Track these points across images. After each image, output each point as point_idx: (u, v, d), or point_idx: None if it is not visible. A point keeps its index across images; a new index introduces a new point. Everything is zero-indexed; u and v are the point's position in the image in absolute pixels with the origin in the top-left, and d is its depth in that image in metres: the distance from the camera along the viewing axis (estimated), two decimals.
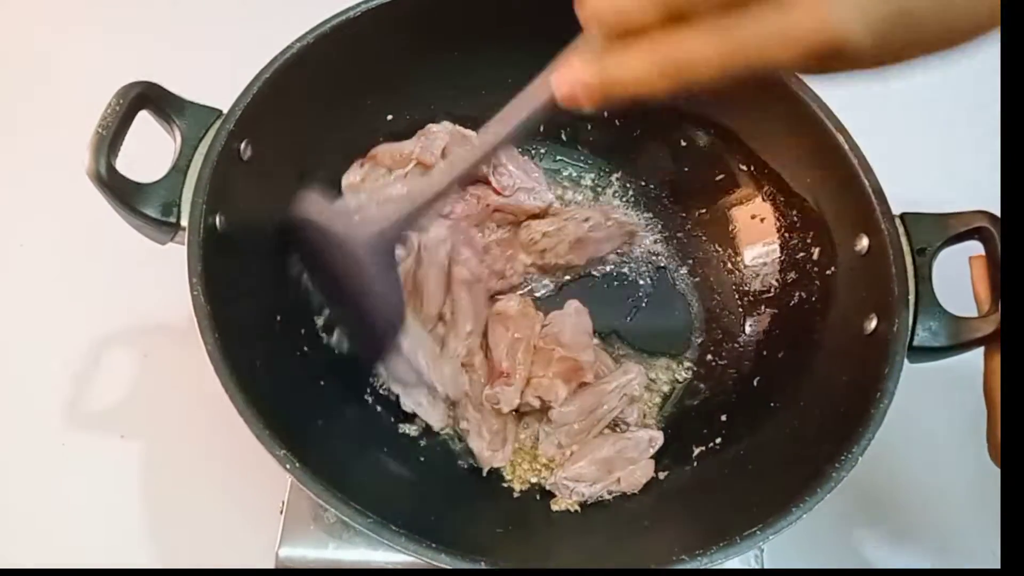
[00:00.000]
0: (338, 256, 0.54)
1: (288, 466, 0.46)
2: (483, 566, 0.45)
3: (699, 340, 0.69)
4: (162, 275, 0.61)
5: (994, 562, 0.66)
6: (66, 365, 0.69)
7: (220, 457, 0.65)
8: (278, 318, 0.60)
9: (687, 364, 0.68)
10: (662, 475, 0.61)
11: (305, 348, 0.62)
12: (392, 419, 0.63)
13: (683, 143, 0.71)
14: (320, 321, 0.64)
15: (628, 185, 0.75)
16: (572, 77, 0.37)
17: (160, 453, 0.66)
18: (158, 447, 0.67)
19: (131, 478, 0.65)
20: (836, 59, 0.32)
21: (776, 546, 0.55)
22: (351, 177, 0.68)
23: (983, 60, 0.34)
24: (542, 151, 0.76)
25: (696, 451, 0.62)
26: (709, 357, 0.68)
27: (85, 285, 0.73)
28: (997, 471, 0.51)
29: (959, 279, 0.56)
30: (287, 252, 0.59)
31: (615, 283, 0.71)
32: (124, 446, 0.66)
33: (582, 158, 0.76)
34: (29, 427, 0.67)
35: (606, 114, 0.73)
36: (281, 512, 0.56)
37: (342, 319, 0.61)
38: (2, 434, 0.67)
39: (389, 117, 0.70)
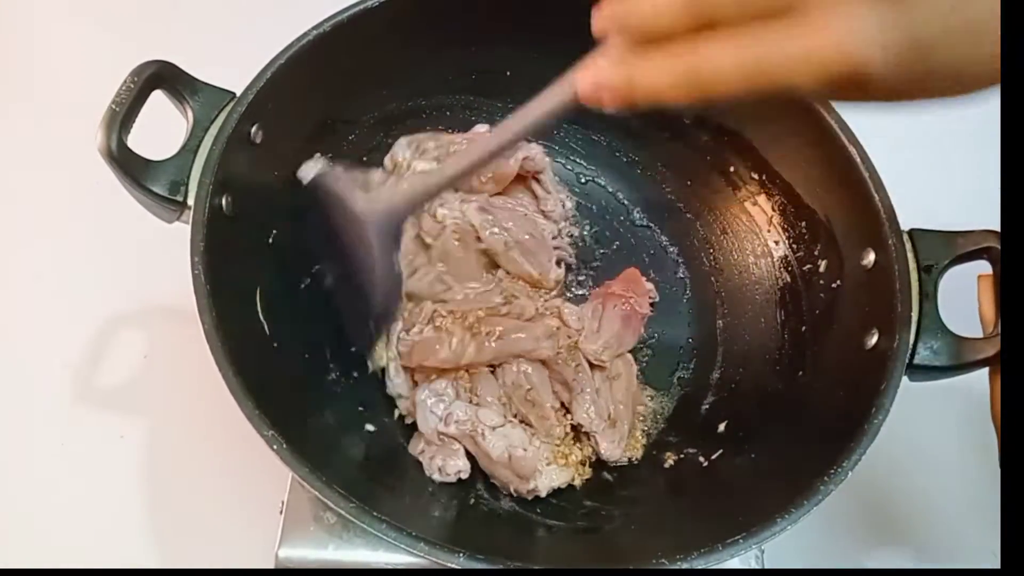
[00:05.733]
0: (346, 226, 0.54)
1: (275, 447, 0.46)
2: (461, 558, 0.44)
3: (699, 347, 0.69)
4: (163, 275, 0.62)
5: (994, 562, 0.65)
6: (66, 366, 0.70)
7: (220, 457, 0.65)
8: (278, 304, 0.60)
9: (686, 372, 0.68)
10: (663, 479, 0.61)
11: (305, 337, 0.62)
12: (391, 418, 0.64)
13: (696, 151, 0.71)
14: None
15: (639, 189, 0.75)
16: (597, 78, 0.38)
17: (160, 453, 0.67)
18: (158, 447, 0.67)
19: (131, 478, 0.66)
20: (855, 87, 0.32)
21: (776, 546, 0.54)
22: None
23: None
24: (559, 160, 0.76)
25: (694, 458, 0.62)
26: (708, 364, 0.68)
27: (85, 286, 0.73)
28: (996, 473, 0.50)
29: (968, 298, 0.56)
30: (300, 216, 0.59)
31: None
32: (124, 446, 0.67)
33: (595, 165, 0.77)
34: (29, 427, 0.67)
35: (625, 120, 0.74)
36: (281, 512, 0.56)
37: (340, 294, 0.61)
38: (2, 434, 0.67)
39: (402, 107, 0.71)
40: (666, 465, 0.62)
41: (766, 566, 0.57)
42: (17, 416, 0.68)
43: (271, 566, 0.55)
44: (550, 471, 0.59)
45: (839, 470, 0.48)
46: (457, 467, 0.59)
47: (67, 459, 0.66)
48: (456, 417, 0.59)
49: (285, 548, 0.55)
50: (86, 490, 0.65)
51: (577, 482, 0.60)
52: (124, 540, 0.63)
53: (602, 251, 0.73)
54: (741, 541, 0.46)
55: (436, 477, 0.59)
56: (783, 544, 0.47)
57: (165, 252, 0.55)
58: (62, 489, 0.65)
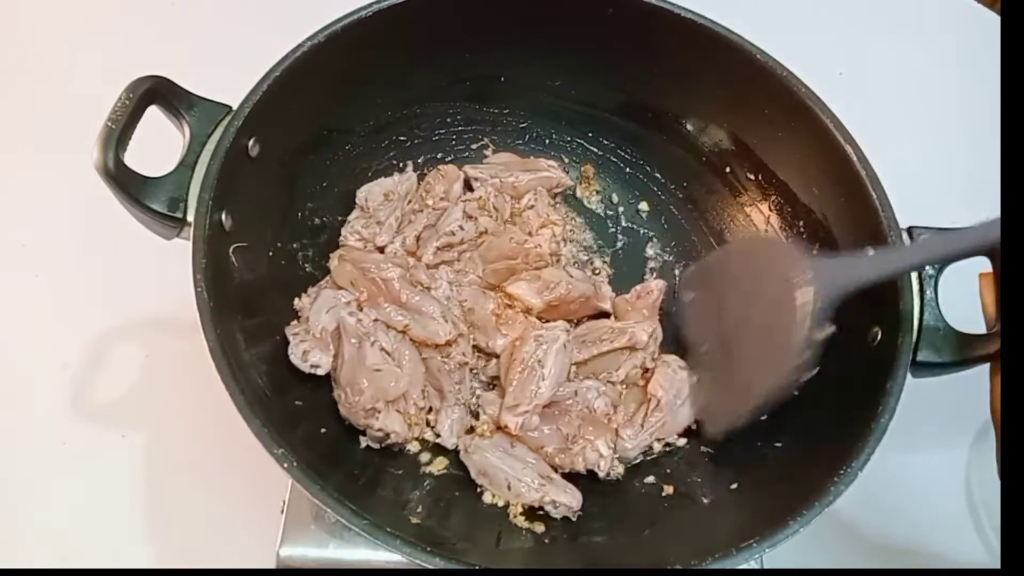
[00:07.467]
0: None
1: (286, 464, 0.46)
2: (477, 568, 0.45)
3: None
4: (164, 276, 0.61)
5: (994, 562, 0.66)
6: (67, 365, 0.69)
7: (221, 457, 0.65)
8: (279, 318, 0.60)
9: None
10: (667, 488, 0.60)
11: None
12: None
13: (693, 153, 0.72)
14: None
15: (636, 192, 0.76)
16: None
17: (161, 453, 0.66)
18: (159, 447, 0.67)
19: (132, 478, 0.65)
20: None
21: None
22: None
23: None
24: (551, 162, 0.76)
25: (700, 463, 0.62)
26: None
27: (87, 285, 0.73)
28: (995, 471, 0.51)
29: (970, 294, 0.56)
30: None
31: None
32: (125, 445, 0.66)
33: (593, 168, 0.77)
34: (31, 427, 0.67)
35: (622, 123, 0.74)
36: (282, 512, 0.56)
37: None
38: (4, 434, 0.67)
39: (397, 114, 0.71)
40: (668, 471, 0.62)
41: (765, 566, 0.57)
42: (19, 416, 0.68)
43: (272, 566, 0.55)
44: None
45: (848, 470, 0.48)
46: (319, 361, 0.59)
47: (68, 458, 0.66)
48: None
49: (286, 547, 0.55)
50: (87, 489, 0.65)
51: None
52: (124, 540, 0.63)
53: (601, 257, 0.74)
54: (755, 545, 0.46)
55: (295, 361, 0.58)
56: (782, 543, 0.47)
57: (169, 255, 0.55)
58: (63, 488, 0.65)
